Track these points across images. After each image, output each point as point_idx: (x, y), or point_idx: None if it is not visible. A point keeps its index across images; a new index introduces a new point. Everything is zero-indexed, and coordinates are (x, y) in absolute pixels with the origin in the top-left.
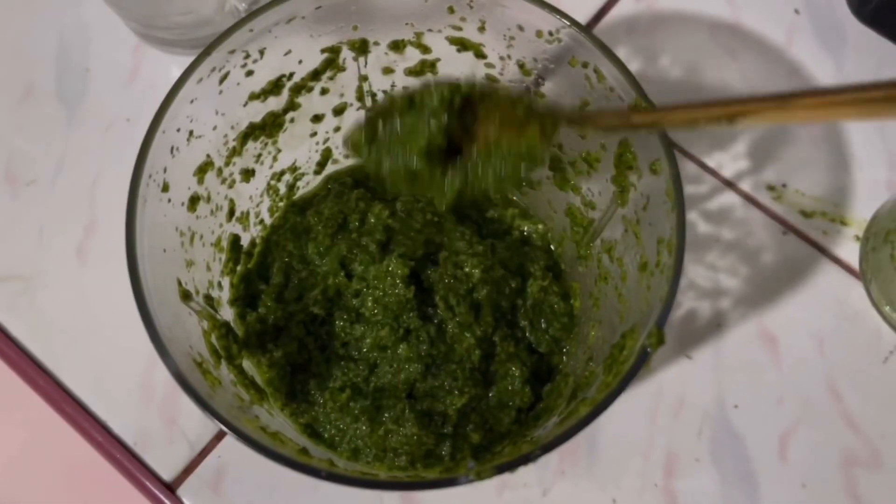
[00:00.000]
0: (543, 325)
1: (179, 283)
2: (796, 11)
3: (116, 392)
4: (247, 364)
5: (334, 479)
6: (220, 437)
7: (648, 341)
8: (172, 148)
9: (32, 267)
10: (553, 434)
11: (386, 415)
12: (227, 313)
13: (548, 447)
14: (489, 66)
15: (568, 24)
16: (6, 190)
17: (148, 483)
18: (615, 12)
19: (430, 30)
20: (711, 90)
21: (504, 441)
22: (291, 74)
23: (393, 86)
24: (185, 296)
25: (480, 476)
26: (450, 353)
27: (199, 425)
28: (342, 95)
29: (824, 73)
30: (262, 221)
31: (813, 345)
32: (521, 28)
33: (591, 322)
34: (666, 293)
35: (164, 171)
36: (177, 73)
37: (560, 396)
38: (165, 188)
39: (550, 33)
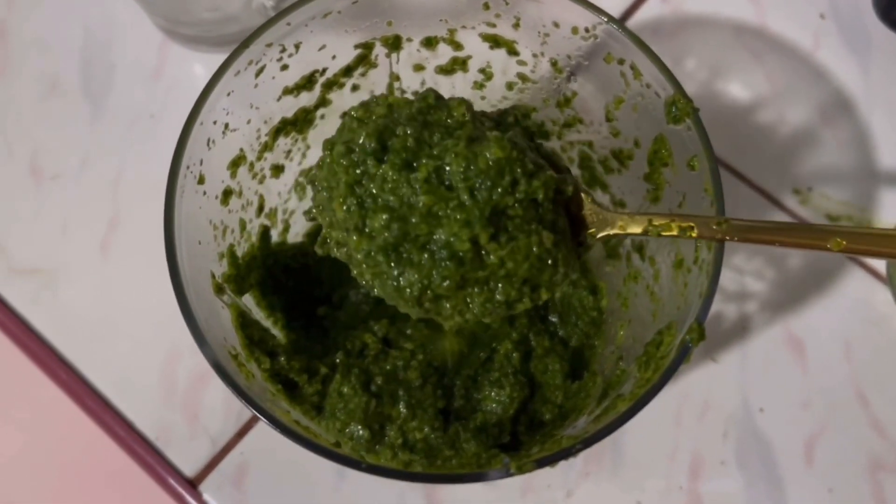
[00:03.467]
0: (573, 319)
1: (213, 276)
2: (822, 16)
3: (138, 387)
4: None
5: (375, 472)
6: (242, 433)
7: (689, 337)
8: (209, 140)
9: (56, 261)
10: (593, 429)
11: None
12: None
13: (589, 441)
14: (521, 63)
15: (605, 20)
16: (31, 183)
17: (170, 479)
18: (640, 14)
19: (463, 26)
20: (737, 93)
21: (532, 440)
22: (324, 70)
23: (423, 83)
24: (219, 289)
25: (522, 470)
26: (489, 360)
27: (222, 421)
28: (372, 92)
29: (851, 78)
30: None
31: (839, 349)
32: (556, 25)
33: (619, 322)
34: (706, 288)
35: (201, 163)
36: (201, 71)
37: (588, 396)
38: (201, 180)
39: (587, 30)
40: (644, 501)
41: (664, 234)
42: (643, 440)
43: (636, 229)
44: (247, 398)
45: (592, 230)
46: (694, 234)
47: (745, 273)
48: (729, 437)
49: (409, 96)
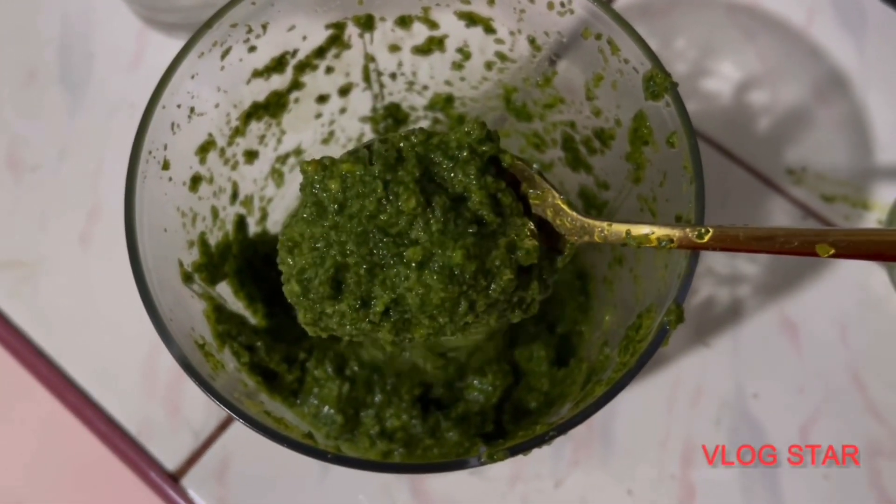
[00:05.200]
0: (560, 304)
1: (181, 265)
2: None
3: (119, 380)
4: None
5: (341, 463)
6: (224, 426)
7: (667, 318)
8: (173, 124)
9: (35, 253)
10: (568, 416)
11: (416, 430)
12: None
13: (563, 428)
14: (499, 41)
15: None
16: (9, 176)
17: (152, 473)
18: None
19: (437, 4)
20: (729, 72)
21: (516, 428)
22: (296, 51)
23: (400, 65)
24: (187, 278)
25: (493, 458)
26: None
27: (204, 414)
28: (348, 75)
29: (845, 55)
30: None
31: (835, 332)
32: (531, 0)
33: (605, 306)
34: (685, 269)
35: (165, 147)
36: None
37: (574, 383)
38: (166, 166)
39: (562, 4)
40: (635, 490)
41: (643, 245)
42: (634, 427)
43: (615, 239)
44: (211, 390)
45: (572, 239)
46: (673, 246)
47: (738, 256)
48: (722, 424)
49: (386, 81)
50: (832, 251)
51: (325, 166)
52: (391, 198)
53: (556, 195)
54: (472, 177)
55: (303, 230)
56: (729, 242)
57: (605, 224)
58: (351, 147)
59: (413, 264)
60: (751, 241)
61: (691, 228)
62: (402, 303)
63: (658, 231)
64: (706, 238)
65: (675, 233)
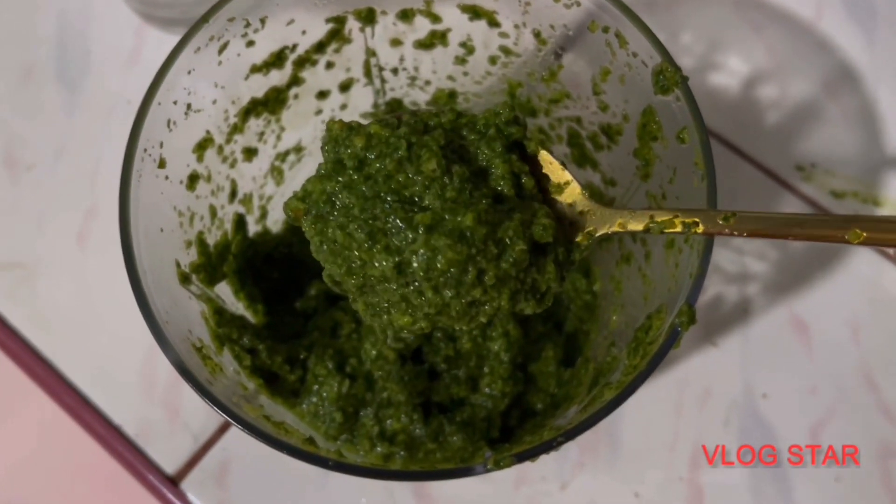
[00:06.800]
0: (566, 303)
1: (178, 265)
2: None
3: (117, 382)
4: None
5: (343, 470)
6: (224, 428)
7: (679, 320)
8: (169, 121)
9: (32, 254)
10: (577, 420)
11: (416, 432)
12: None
13: (571, 434)
14: (503, 35)
15: None
16: (5, 175)
17: (151, 476)
18: None
19: None
20: (736, 67)
21: (522, 431)
22: (295, 46)
23: (402, 59)
24: (185, 278)
25: (500, 465)
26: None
27: (203, 416)
28: (348, 70)
29: (855, 49)
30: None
31: (846, 331)
32: None
33: (612, 306)
34: (696, 268)
35: (161, 145)
36: None
37: (580, 384)
38: (162, 164)
39: None
40: (642, 493)
41: (667, 231)
42: (641, 429)
43: (637, 226)
44: (208, 395)
45: (591, 229)
46: (699, 231)
47: (746, 253)
48: (731, 425)
49: (388, 76)
50: (864, 236)
51: (351, 128)
52: (413, 158)
53: (578, 186)
54: (497, 151)
55: (314, 187)
56: (756, 227)
57: (626, 212)
58: None
59: (421, 228)
60: (779, 226)
61: (716, 212)
62: (405, 270)
63: (683, 216)
64: (731, 221)
65: (700, 217)
